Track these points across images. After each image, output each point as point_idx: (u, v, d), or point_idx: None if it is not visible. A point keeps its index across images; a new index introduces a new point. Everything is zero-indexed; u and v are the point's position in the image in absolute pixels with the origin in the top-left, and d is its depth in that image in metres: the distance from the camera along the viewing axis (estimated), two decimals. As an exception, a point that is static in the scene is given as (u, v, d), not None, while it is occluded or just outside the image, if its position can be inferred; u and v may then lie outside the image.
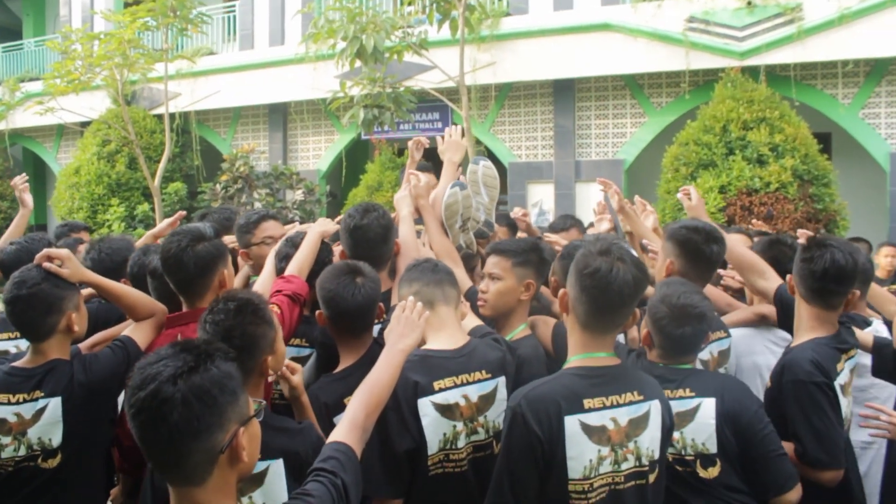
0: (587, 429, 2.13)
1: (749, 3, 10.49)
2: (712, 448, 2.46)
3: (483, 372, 2.49)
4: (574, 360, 2.25)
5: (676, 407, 2.46)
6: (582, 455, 2.12)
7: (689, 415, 2.49)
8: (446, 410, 2.40)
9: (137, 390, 1.49)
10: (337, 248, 3.37)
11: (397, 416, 2.34)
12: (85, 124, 15.08)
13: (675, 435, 2.45)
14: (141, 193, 14.67)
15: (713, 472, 2.47)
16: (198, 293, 2.72)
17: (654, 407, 2.24)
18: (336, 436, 1.94)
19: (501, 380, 2.53)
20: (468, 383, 2.45)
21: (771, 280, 3.14)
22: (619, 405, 2.18)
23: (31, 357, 2.62)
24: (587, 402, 2.15)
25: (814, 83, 10.85)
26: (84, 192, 14.53)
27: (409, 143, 4.06)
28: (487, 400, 2.49)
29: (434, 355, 2.47)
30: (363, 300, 2.67)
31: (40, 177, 20.68)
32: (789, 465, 2.52)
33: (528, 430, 2.10)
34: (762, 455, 2.49)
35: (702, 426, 2.48)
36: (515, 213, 4.55)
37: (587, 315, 2.20)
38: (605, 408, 2.16)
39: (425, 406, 2.37)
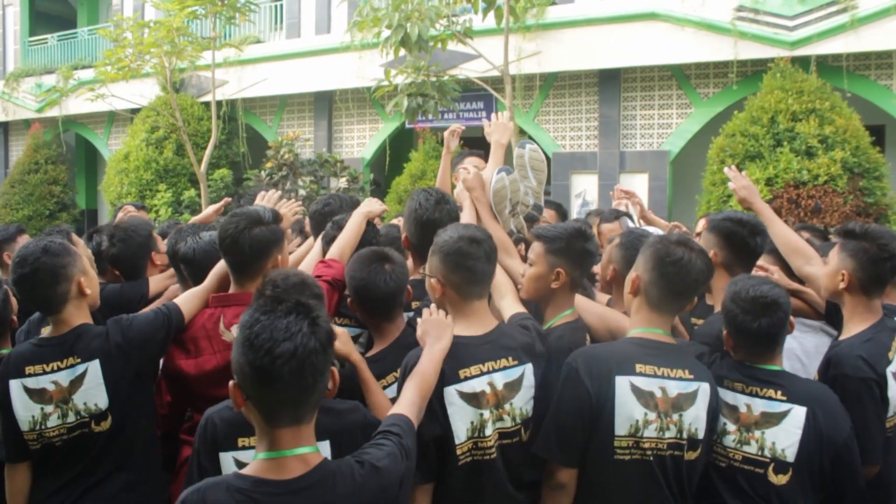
0: (636, 391, 2.34)
1: (801, -8, 10.27)
2: (791, 457, 2.44)
3: (510, 359, 2.46)
4: (635, 332, 2.50)
5: (763, 406, 2.49)
6: (629, 414, 2.32)
7: (777, 418, 2.48)
8: (472, 399, 2.39)
9: (281, 341, 1.66)
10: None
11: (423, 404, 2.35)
12: (135, 111, 15.36)
13: (756, 433, 2.48)
14: (188, 179, 14.92)
15: (782, 479, 2.45)
16: (250, 276, 2.74)
17: (703, 389, 2.41)
18: (396, 409, 2.11)
19: (528, 366, 2.49)
20: (494, 370, 2.43)
21: (816, 265, 3.10)
22: (669, 377, 2.38)
23: (54, 328, 2.66)
24: (639, 367, 2.36)
25: (867, 73, 10.59)
26: (133, 178, 14.83)
27: (445, 133, 4.04)
28: (513, 387, 2.46)
29: (460, 342, 2.45)
30: (395, 285, 2.72)
31: (91, 162, 21.14)
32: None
33: (579, 385, 2.35)
34: (846, 484, 2.50)
35: (787, 433, 2.46)
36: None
37: (661, 297, 2.46)
38: (655, 376, 2.36)
39: (451, 395, 2.38)
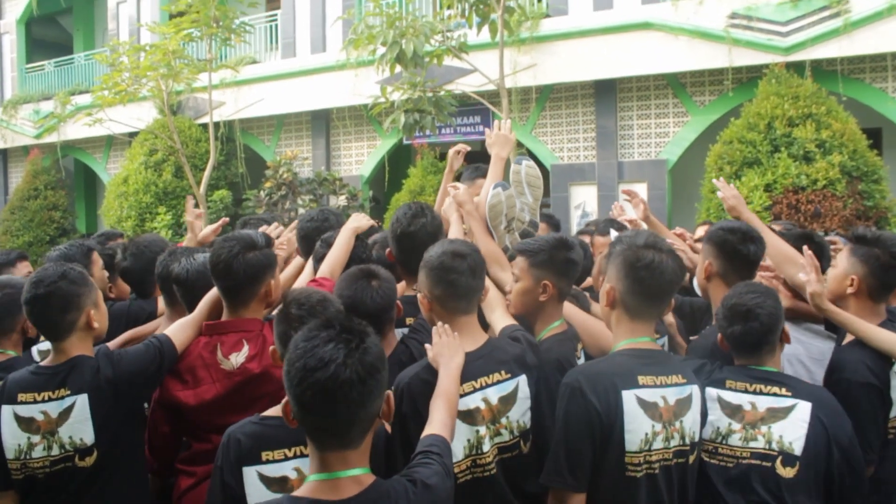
0: (643, 403, 2.30)
1: (793, -2, 10.30)
2: (798, 450, 2.43)
3: (502, 372, 2.45)
4: (623, 344, 2.43)
5: (769, 402, 2.49)
6: (639, 429, 2.27)
7: (783, 412, 2.48)
8: (467, 416, 2.37)
9: (313, 372, 1.64)
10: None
11: (419, 425, 2.29)
12: (133, 135, 15.42)
13: (762, 429, 2.47)
14: (187, 201, 14.90)
15: (790, 472, 2.44)
16: (243, 301, 2.71)
17: (695, 391, 2.41)
18: (432, 430, 2.12)
19: (522, 378, 2.49)
20: (487, 385, 2.42)
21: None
22: (667, 385, 2.35)
23: (54, 356, 2.62)
24: (641, 379, 2.32)
25: (862, 77, 10.60)
26: (132, 201, 14.85)
27: (450, 152, 4.01)
28: (508, 401, 2.45)
29: None
30: (382, 301, 2.69)
31: (91, 187, 21.18)
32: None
33: (586, 403, 2.27)
34: (851, 488, 2.49)
35: (794, 426, 2.45)
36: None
37: (639, 305, 2.41)
38: (656, 386, 2.33)
39: None
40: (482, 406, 2.39)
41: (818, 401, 2.49)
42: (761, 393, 2.51)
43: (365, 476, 1.74)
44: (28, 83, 20.36)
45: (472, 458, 2.37)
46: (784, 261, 3.15)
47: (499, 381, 2.44)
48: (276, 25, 15.98)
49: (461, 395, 2.37)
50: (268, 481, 2.14)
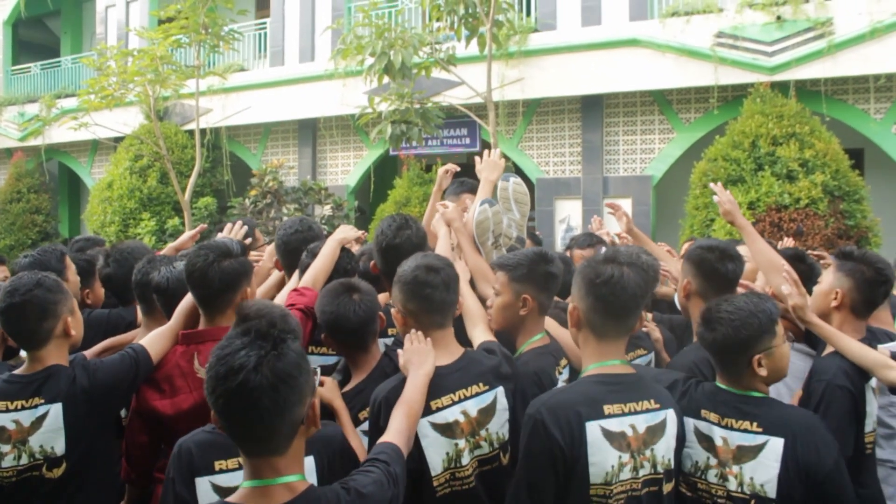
0: (608, 434, 2.17)
1: (778, 18, 10.41)
2: (771, 493, 2.28)
3: (480, 385, 2.45)
4: (591, 368, 2.31)
5: (738, 440, 2.35)
6: (604, 461, 2.15)
7: (752, 451, 2.33)
8: (446, 430, 2.36)
9: (223, 380, 1.62)
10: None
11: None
12: (118, 140, 15.32)
13: (734, 469, 2.34)
14: (171, 208, 14.89)
15: None
16: (220, 309, 2.69)
17: (670, 416, 2.29)
18: (385, 438, 2.11)
19: (500, 389, 2.48)
20: (466, 398, 2.41)
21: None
22: (636, 412, 2.23)
23: (28, 365, 2.59)
24: (607, 409, 2.19)
25: (845, 98, 10.73)
26: (116, 207, 14.77)
27: (439, 171, 4.02)
28: (487, 412, 2.44)
29: None
30: (364, 315, 2.68)
31: (75, 191, 21.05)
32: None
33: (548, 437, 2.14)
34: None
35: (764, 467, 2.31)
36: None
37: (603, 323, 2.28)
38: (623, 414, 2.20)
39: (423, 427, 2.34)
40: (461, 419, 2.38)
41: (796, 430, 2.31)
42: (732, 428, 2.37)
43: (298, 483, 1.72)
44: (13, 85, 20.25)
45: (451, 472, 2.36)
46: (770, 269, 3.14)
47: (477, 394, 2.43)
48: (265, 33, 15.98)
49: (439, 409, 2.36)
50: (221, 491, 2.11)
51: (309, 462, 2.12)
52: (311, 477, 2.11)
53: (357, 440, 2.49)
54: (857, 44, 10.00)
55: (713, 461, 2.39)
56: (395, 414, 2.22)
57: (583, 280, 2.31)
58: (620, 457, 2.17)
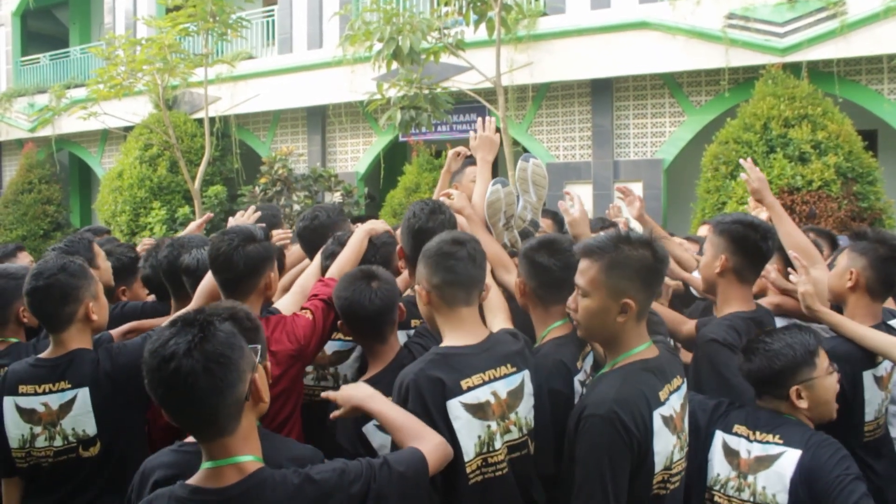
0: (666, 421, 2.16)
1: (790, -1, 10.32)
2: (783, 503, 2.24)
3: (508, 366, 2.36)
4: (625, 356, 2.24)
5: (758, 450, 2.34)
6: (665, 448, 2.14)
7: (769, 461, 2.31)
8: (478, 410, 2.25)
9: (157, 371, 1.65)
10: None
11: (427, 422, 2.17)
12: (128, 129, 15.34)
13: (749, 479, 2.32)
14: (182, 197, 14.91)
15: None
16: (243, 294, 2.67)
17: (685, 388, 2.32)
18: (417, 444, 2.04)
19: (526, 373, 2.40)
20: (495, 379, 2.31)
21: (819, 269, 3.08)
22: (672, 392, 2.23)
23: (53, 348, 2.68)
24: (661, 395, 2.18)
25: (858, 79, 10.63)
26: (126, 196, 14.81)
27: (449, 154, 3.91)
28: (516, 395, 2.35)
29: (456, 352, 2.32)
30: (381, 303, 2.62)
31: (85, 181, 21.12)
32: None
33: (628, 435, 2.05)
34: None
35: (776, 476, 2.27)
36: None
37: (648, 303, 2.26)
38: (668, 397, 2.20)
39: (455, 408, 2.22)
40: (492, 400, 2.29)
41: (811, 446, 2.27)
42: (757, 441, 2.36)
43: (249, 463, 1.74)
44: (23, 76, 20.26)
45: (484, 457, 2.27)
46: (798, 252, 3.09)
47: (506, 375, 2.34)
48: (273, 21, 15.94)
49: (470, 388, 2.25)
50: None
51: None
52: None
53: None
54: (869, 23, 9.89)
55: (732, 473, 2.38)
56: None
57: (630, 264, 2.19)
58: (674, 440, 2.17)
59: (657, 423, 2.12)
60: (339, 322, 2.78)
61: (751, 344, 2.44)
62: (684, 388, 2.31)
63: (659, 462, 2.12)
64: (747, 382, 2.49)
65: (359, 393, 2.24)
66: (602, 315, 2.21)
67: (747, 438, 2.38)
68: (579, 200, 3.26)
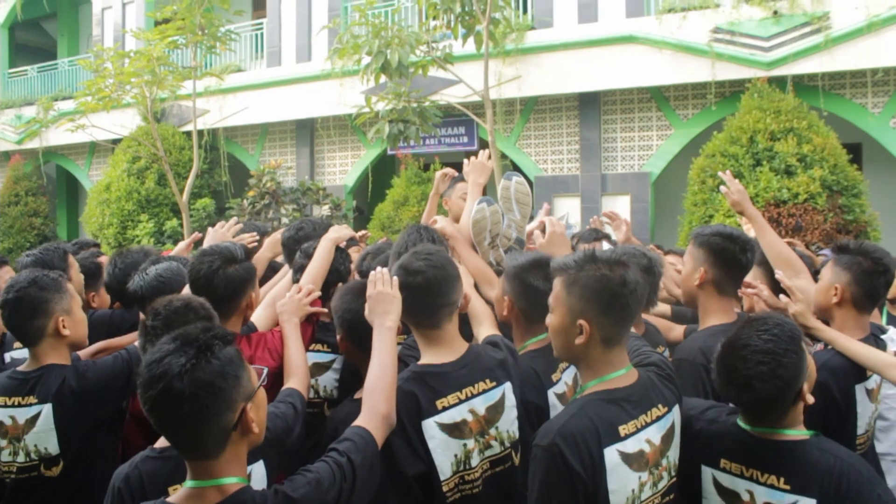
0: (626, 458, 1.98)
1: (775, 13, 10.40)
2: None
3: (487, 381, 2.34)
4: (594, 384, 2.08)
5: (766, 496, 2.04)
6: (625, 486, 1.97)
7: None
8: (454, 430, 2.24)
9: (148, 388, 1.65)
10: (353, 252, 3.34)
11: (403, 440, 2.18)
12: (116, 141, 15.30)
13: None
14: (170, 209, 14.87)
15: None
16: (224, 315, 2.63)
17: (675, 414, 2.15)
18: (358, 420, 2.06)
19: (507, 385, 2.38)
20: (473, 396, 2.29)
21: (804, 279, 3.07)
22: (648, 424, 2.05)
23: (29, 361, 2.65)
24: (622, 429, 2.00)
25: (842, 92, 10.72)
26: (114, 209, 14.76)
27: (437, 175, 4.00)
28: (496, 410, 2.34)
29: (432, 370, 2.31)
30: None
31: (73, 194, 21.01)
32: None
33: (568, 471, 1.91)
34: None
35: None
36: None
37: (613, 328, 2.04)
38: (637, 431, 2.02)
39: (430, 428, 2.22)
40: (469, 418, 2.28)
41: (830, 486, 1.99)
42: (757, 481, 2.07)
43: (230, 485, 1.72)
44: (10, 88, 20.21)
45: (461, 475, 2.26)
46: (782, 263, 3.10)
47: (485, 391, 2.32)
48: (262, 34, 15.96)
49: (445, 408, 2.25)
50: None
51: (259, 468, 2.10)
52: (261, 483, 2.08)
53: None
54: (854, 38, 9.99)
55: None
56: (368, 387, 2.15)
57: (591, 288, 2.05)
58: (640, 477, 1.99)
59: (611, 459, 1.95)
60: (338, 337, 2.74)
61: (739, 372, 2.06)
62: (671, 416, 2.13)
63: (617, 501, 1.95)
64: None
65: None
66: (563, 334, 2.10)
67: (741, 477, 2.11)
68: (554, 222, 3.26)
